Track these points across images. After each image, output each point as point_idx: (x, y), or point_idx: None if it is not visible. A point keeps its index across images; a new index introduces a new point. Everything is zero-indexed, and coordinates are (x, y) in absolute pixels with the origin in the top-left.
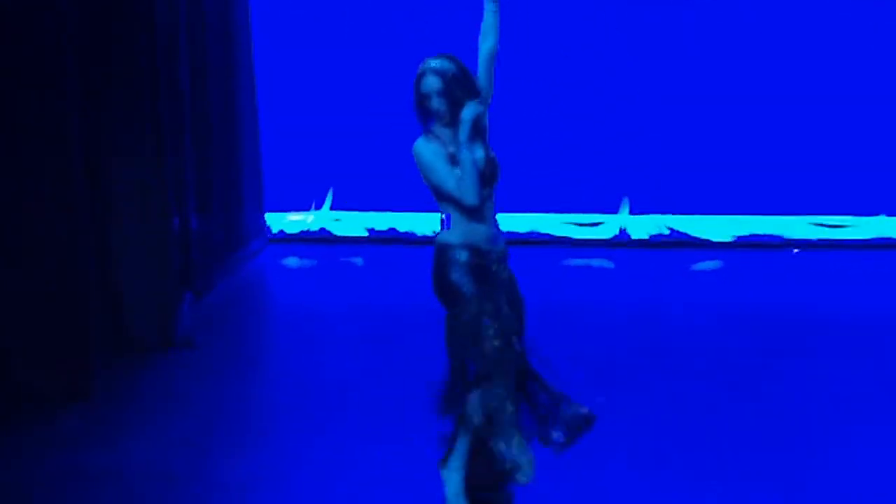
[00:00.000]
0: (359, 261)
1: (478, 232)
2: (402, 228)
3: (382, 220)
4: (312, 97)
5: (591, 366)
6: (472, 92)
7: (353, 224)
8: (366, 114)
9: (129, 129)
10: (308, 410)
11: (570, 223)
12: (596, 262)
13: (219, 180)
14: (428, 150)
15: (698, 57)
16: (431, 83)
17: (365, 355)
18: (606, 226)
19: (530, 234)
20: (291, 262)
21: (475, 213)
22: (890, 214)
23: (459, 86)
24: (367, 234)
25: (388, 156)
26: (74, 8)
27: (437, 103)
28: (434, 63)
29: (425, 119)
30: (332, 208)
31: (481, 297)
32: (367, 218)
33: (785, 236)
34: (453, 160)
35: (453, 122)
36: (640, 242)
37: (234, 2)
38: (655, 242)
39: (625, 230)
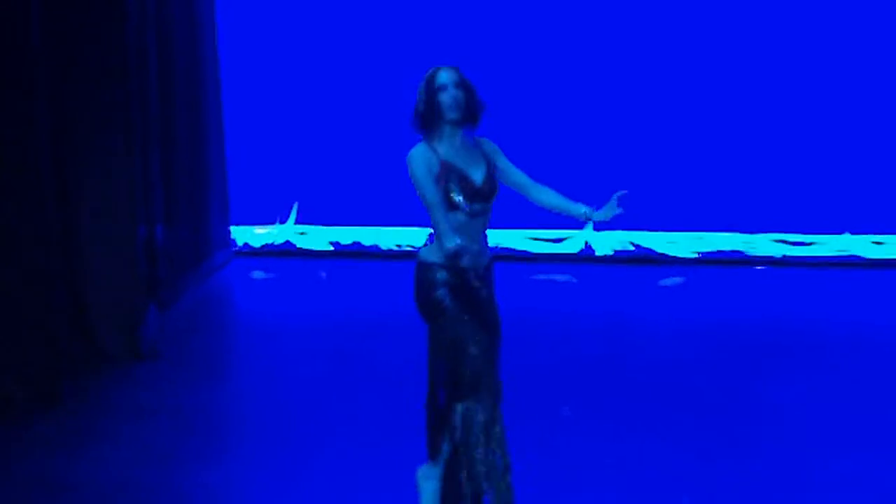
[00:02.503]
0: (323, 274)
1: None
2: (366, 242)
3: (347, 234)
4: (278, 111)
5: (554, 379)
6: (478, 103)
7: (317, 238)
8: (331, 128)
9: (96, 141)
10: (273, 421)
11: (535, 238)
12: (560, 278)
13: (185, 193)
14: (421, 163)
15: (661, 76)
16: (449, 75)
17: (329, 368)
18: (571, 241)
19: (495, 248)
20: (256, 274)
21: (460, 229)
22: (854, 233)
23: (470, 88)
24: (331, 247)
25: (353, 170)
26: (42, 19)
27: (453, 93)
28: (445, 65)
29: (428, 120)
30: (296, 222)
31: (462, 312)
32: (332, 232)
33: (748, 253)
34: (448, 168)
35: (463, 121)
36: (605, 258)
37: (200, 16)
38: (619, 258)
39: (589, 245)
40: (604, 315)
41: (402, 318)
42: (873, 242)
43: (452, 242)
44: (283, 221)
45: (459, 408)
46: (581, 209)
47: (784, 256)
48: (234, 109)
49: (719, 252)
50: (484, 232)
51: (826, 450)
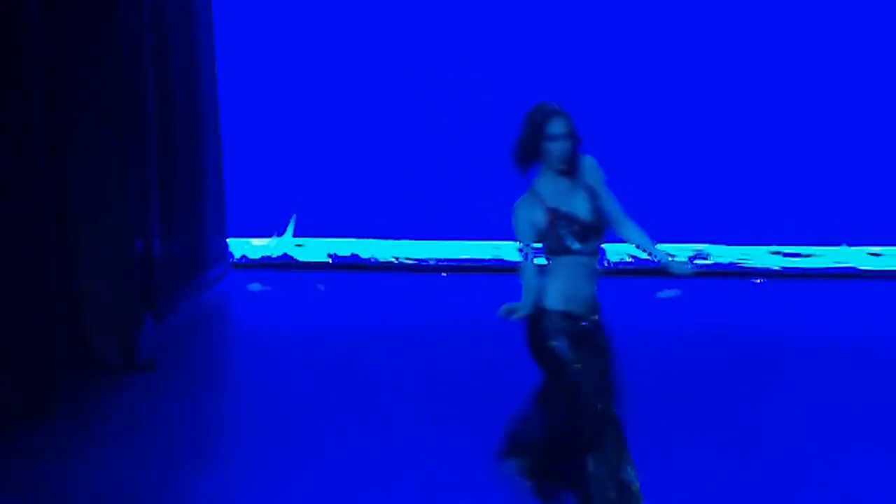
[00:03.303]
0: (321, 287)
1: (577, 294)
2: (364, 255)
3: (345, 247)
4: (276, 124)
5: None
6: (579, 143)
7: (315, 250)
8: (329, 140)
9: (93, 152)
10: (269, 433)
11: None
12: None
13: (182, 205)
14: (522, 215)
15: (657, 89)
16: (563, 124)
17: (326, 380)
18: None
19: (494, 261)
20: (253, 287)
21: (573, 272)
22: (851, 244)
23: (578, 135)
24: (329, 260)
25: (351, 182)
26: (40, 31)
27: (563, 146)
28: (556, 106)
29: (530, 162)
30: (294, 234)
31: (578, 361)
32: (330, 244)
33: (745, 265)
34: (556, 214)
35: (569, 169)
36: (603, 270)
37: (198, 27)
38: (617, 270)
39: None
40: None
41: (400, 330)
42: (870, 254)
43: (525, 309)
44: (280, 234)
45: (592, 461)
46: (660, 255)
47: (782, 268)
48: (232, 122)
49: (716, 264)
50: (598, 276)
51: (824, 460)
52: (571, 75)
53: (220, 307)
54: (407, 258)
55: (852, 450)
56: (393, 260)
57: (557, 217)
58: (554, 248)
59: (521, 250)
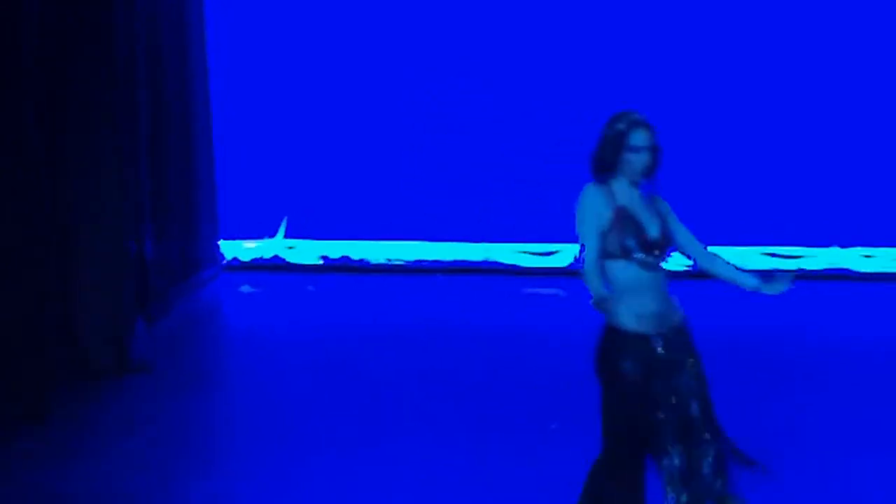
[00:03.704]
0: (312, 288)
1: (646, 308)
2: (355, 256)
3: (336, 249)
4: (267, 126)
5: (543, 393)
6: (661, 155)
7: (306, 252)
8: (321, 143)
9: (87, 157)
10: (262, 434)
11: (525, 252)
12: (550, 291)
13: (174, 208)
14: (589, 202)
15: (648, 88)
16: (647, 137)
17: (318, 380)
18: (561, 255)
19: (485, 262)
20: (245, 288)
21: (638, 283)
22: (843, 246)
23: (659, 148)
24: (320, 261)
25: (342, 185)
26: (40, 32)
27: (647, 158)
28: (642, 117)
29: (609, 171)
30: (286, 236)
31: (642, 383)
32: (321, 246)
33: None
34: (623, 213)
35: (646, 178)
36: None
37: (191, 29)
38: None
39: (578, 259)
40: (592, 328)
41: (392, 331)
42: (864, 256)
43: (597, 294)
44: (272, 236)
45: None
46: (751, 281)
47: (775, 270)
48: (224, 125)
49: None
50: (667, 290)
51: (822, 462)
52: (568, 75)
53: (211, 309)
54: (398, 260)
55: (852, 451)
56: (384, 261)
57: (625, 217)
58: (613, 251)
59: (581, 248)
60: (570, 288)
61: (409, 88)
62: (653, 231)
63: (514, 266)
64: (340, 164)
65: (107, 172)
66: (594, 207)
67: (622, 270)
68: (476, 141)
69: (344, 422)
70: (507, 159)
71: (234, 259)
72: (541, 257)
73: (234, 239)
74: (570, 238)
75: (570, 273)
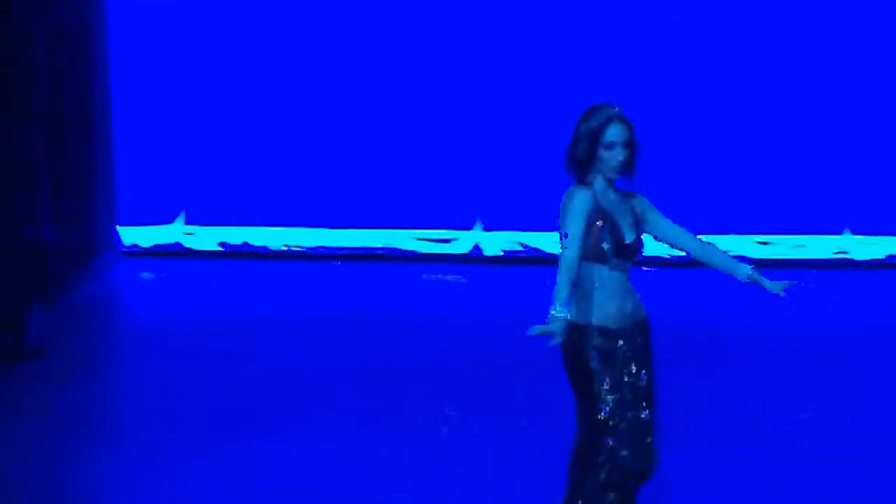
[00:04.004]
0: (212, 274)
1: (608, 307)
2: (255, 243)
3: (236, 235)
4: (166, 112)
5: (441, 379)
6: (638, 152)
7: (206, 238)
8: (220, 129)
9: None
10: (157, 420)
11: (424, 239)
12: (449, 278)
13: (73, 193)
14: (579, 200)
15: (644, 82)
16: (622, 132)
17: (216, 367)
18: (460, 242)
19: (384, 249)
20: (144, 275)
21: (607, 284)
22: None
23: (636, 144)
24: (220, 248)
25: (242, 171)
26: None
27: (621, 154)
28: (618, 110)
29: (585, 169)
30: (185, 222)
31: (603, 373)
32: (221, 232)
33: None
34: (603, 217)
35: (621, 175)
36: (494, 258)
37: (90, 12)
38: (508, 258)
39: (478, 246)
40: (492, 315)
41: (290, 318)
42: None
43: (561, 312)
44: (171, 222)
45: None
46: (745, 270)
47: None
48: (124, 110)
49: None
50: (631, 287)
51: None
52: (552, 66)
53: (109, 295)
54: (298, 246)
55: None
56: (284, 248)
57: (604, 221)
58: (590, 253)
59: (564, 237)
60: (472, 274)
61: (305, 74)
62: (629, 236)
63: (413, 252)
64: (240, 151)
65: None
66: (581, 209)
67: (594, 271)
68: (375, 127)
69: (240, 410)
70: (406, 145)
71: (134, 245)
72: (440, 244)
73: (133, 225)
74: (468, 225)
75: (471, 260)
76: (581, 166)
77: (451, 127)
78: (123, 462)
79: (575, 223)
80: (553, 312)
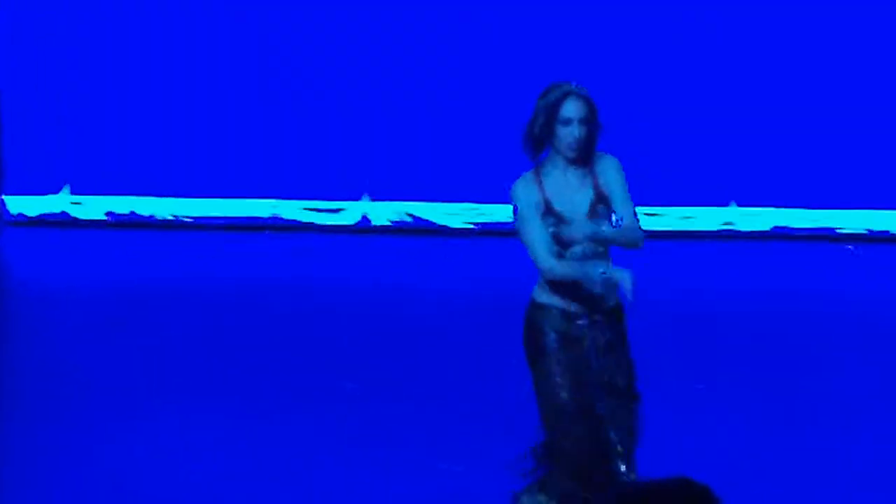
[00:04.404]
0: (98, 244)
1: (572, 290)
2: (142, 212)
3: (123, 204)
4: (52, 78)
5: (330, 353)
6: (598, 130)
7: (93, 207)
8: (107, 97)
9: None
10: (45, 395)
11: (312, 209)
12: (336, 248)
13: None
14: (525, 199)
15: (639, 78)
16: (580, 108)
17: (103, 339)
18: (347, 212)
19: (272, 219)
20: (29, 244)
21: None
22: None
23: (596, 121)
24: (106, 217)
25: (129, 139)
26: None
27: (579, 131)
28: (575, 86)
29: (541, 146)
30: (71, 192)
31: (558, 356)
32: (108, 201)
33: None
34: (547, 207)
35: (581, 156)
36: (382, 228)
37: None
38: (397, 229)
39: (366, 217)
40: (380, 286)
41: (176, 287)
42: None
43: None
44: (57, 191)
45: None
46: (599, 269)
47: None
48: (6, 77)
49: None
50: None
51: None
52: (536, 62)
53: None
54: (186, 216)
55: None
56: (171, 217)
57: (548, 211)
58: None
59: (531, 249)
60: (359, 245)
61: (190, 39)
62: (581, 217)
63: (298, 222)
64: (126, 119)
65: None
66: (528, 200)
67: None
68: (262, 94)
69: (120, 381)
70: (293, 112)
71: (20, 214)
72: (329, 214)
73: (18, 194)
74: (356, 195)
75: (359, 231)
76: (538, 143)
77: (340, 94)
78: (8, 438)
79: (530, 224)
80: (601, 271)
